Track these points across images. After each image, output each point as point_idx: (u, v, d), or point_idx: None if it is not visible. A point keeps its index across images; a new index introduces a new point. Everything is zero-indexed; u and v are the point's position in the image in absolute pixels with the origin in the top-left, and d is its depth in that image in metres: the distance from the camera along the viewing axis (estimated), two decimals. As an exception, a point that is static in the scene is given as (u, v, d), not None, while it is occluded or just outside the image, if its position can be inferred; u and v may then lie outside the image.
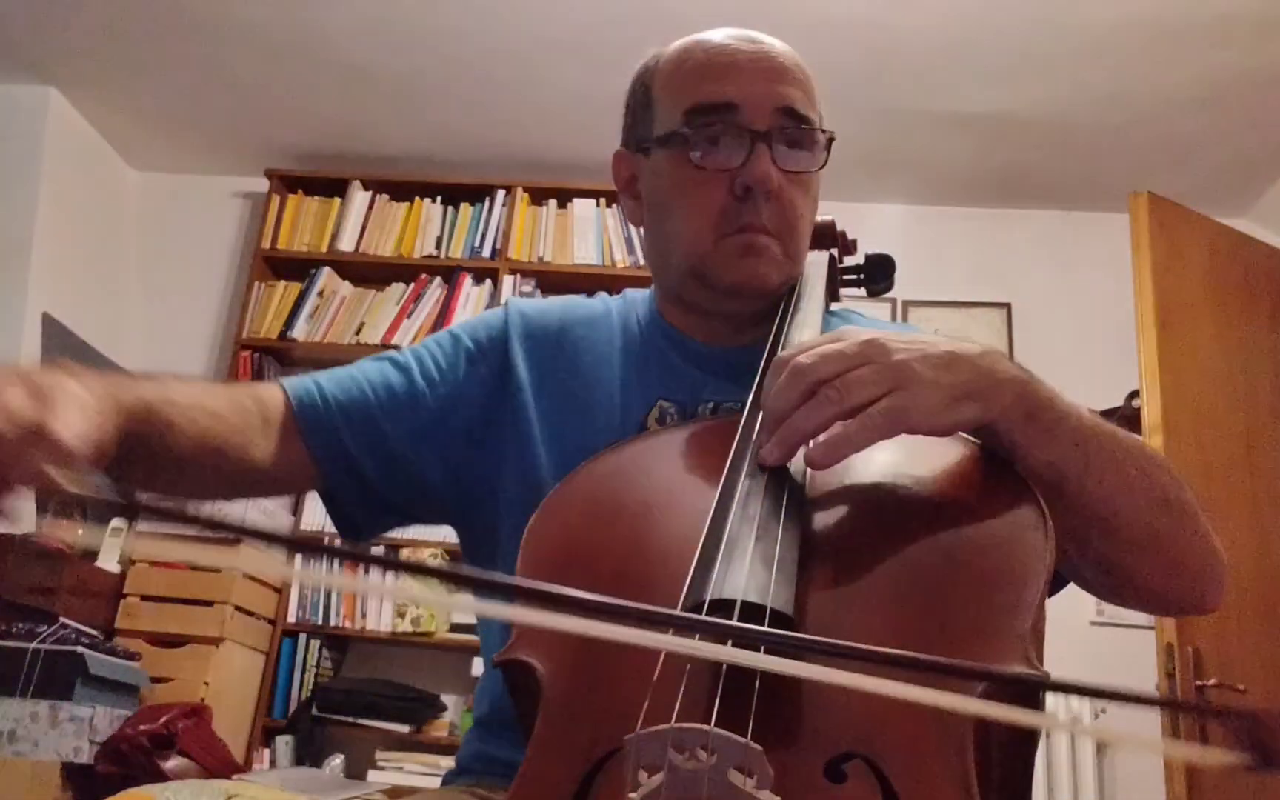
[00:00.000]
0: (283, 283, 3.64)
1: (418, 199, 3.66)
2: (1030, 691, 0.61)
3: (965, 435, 0.76)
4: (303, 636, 3.18)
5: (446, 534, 3.17)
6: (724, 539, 0.66)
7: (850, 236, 1.13)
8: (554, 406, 0.99)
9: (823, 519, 0.71)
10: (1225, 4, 2.67)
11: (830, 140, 0.98)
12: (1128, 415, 3.08)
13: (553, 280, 3.49)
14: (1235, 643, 2.48)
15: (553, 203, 3.60)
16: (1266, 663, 2.50)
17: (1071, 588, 0.87)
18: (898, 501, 0.73)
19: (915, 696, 0.49)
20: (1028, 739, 0.65)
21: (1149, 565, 0.81)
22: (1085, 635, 3.08)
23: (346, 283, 3.63)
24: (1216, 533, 0.85)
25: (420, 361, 1.01)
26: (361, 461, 0.96)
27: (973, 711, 0.52)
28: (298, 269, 3.64)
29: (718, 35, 0.99)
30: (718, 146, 0.95)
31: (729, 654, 0.54)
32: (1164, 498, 0.81)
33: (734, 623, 0.56)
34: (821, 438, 0.69)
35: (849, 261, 1.12)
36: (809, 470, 0.73)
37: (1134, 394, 2.91)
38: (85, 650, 2.49)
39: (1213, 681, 2.39)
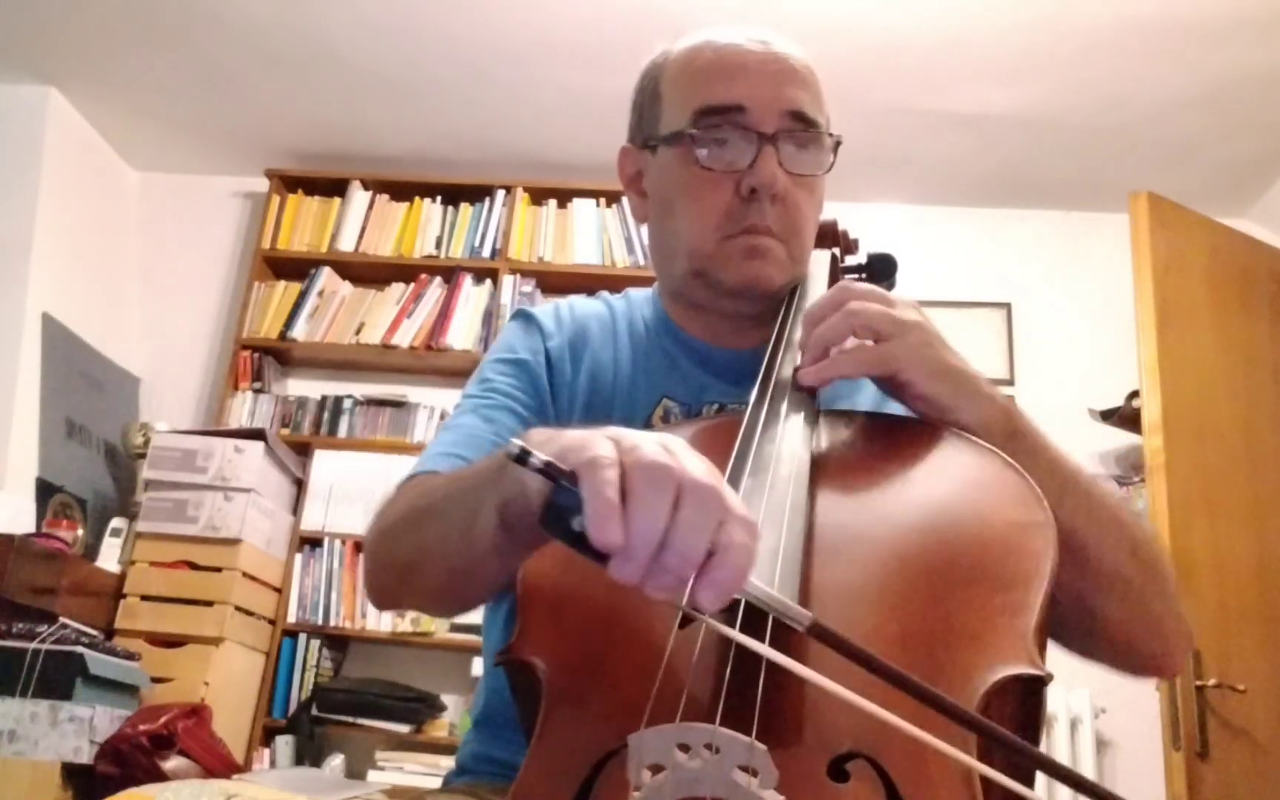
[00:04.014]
0: (283, 283, 3.64)
1: (418, 199, 3.66)
2: (1033, 692, 0.61)
3: (970, 436, 0.77)
4: (303, 636, 3.17)
5: (446, 534, 3.18)
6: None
7: (851, 236, 1.13)
8: (570, 406, 0.99)
9: (827, 517, 0.71)
10: (1225, 4, 2.67)
11: (837, 143, 0.98)
12: (1128, 415, 3.08)
13: (553, 280, 3.49)
14: (1235, 643, 2.47)
15: (553, 203, 3.60)
16: (1266, 663, 2.49)
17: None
18: (902, 501, 0.73)
19: (913, 732, 0.49)
20: (1030, 738, 0.65)
21: (1115, 609, 0.81)
22: (1085, 635, 3.08)
23: (346, 283, 3.63)
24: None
25: (510, 402, 0.98)
26: None
27: (964, 763, 0.52)
28: (298, 269, 3.64)
29: (727, 35, 0.99)
30: (725, 148, 0.95)
31: (738, 636, 0.54)
32: (1133, 546, 0.82)
33: (747, 593, 0.56)
34: (814, 363, 0.83)
35: (851, 261, 1.12)
36: (813, 470, 0.73)
37: (1134, 394, 2.91)
38: (85, 650, 2.49)
39: (1213, 681, 2.39)
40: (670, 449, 0.55)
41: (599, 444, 0.55)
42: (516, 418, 0.96)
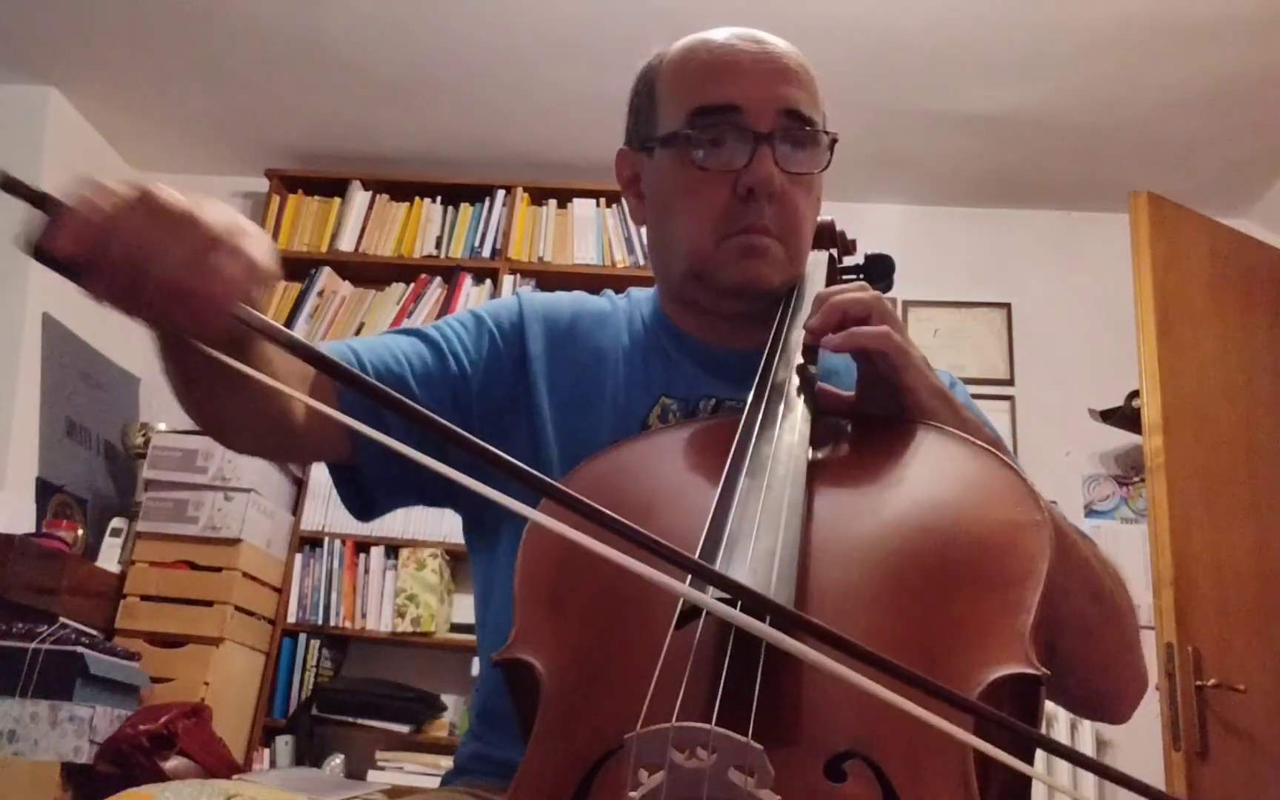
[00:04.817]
0: (282, 283, 3.63)
1: (418, 199, 3.66)
2: (1030, 692, 0.61)
3: (966, 437, 0.77)
4: (303, 636, 3.17)
5: (447, 533, 3.19)
6: (724, 537, 0.66)
7: (850, 237, 1.13)
8: (563, 401, 0.99)
9: (824, 517, 0.71)
10: (1225, 4, 2.67)
11: (833, 141, 0.98)
12: (1128, 415, 3.08)
13: (553, 280, 3.49)
14: (1235, 643, 2.48)
15: (553, 203, 3.60)
16: (1266, 663, 2.49)
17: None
18: (899, 501, 0.73)
19: (914, 710, 0.50)
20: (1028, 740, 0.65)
21: (1072, 650, 0.81)
22: (1085, 635, 3.08)
23: (346, 283, 3.63)
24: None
25: (447, 339, 1.00)
26: (394, 431, 0.93)
27: (967, 742, 0.52)
28: (298, 269, 3.63)
29: (722, 35, 0.99)
30: (721, 148, 0.95)
31: (740, 618, 0.54)
32: (1098, 591, 0.83)
33: (746, 586, 0.56)
34: (824, 324, 0.85)
35: (848, 261, 1.12)
36: (810, 470, 0.73)
37: (1134, 394, 2.91)
38: (85, 650, 2.49)
39: (1213, 681, 2.39)
40: (196, 199, 0.61)
41: (120, 185, 0.60)
42: (436, 353, 0.98)
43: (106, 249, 0.58)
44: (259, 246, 0.64)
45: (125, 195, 0.60)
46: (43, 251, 0.59)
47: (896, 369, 0.82)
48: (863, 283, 0.89)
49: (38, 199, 0.59)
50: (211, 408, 0.83)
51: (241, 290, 0.61)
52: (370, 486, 0.97)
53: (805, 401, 0.83)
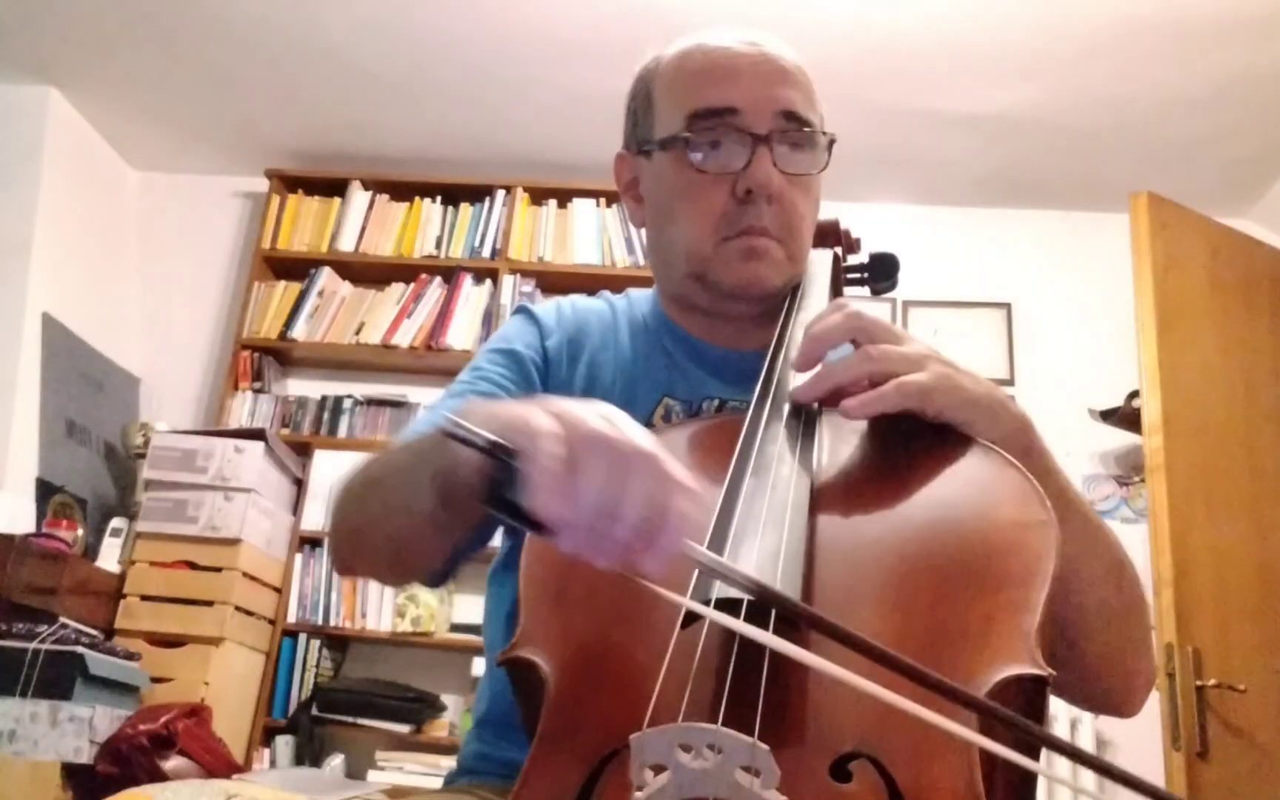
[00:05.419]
0: (283, 283, 3.64)
1: (418, 199, 3.66)
2: (1036, 693, 0.61)
3: (973, 437, 0.77)
4: (303, 636, 3.17)
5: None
6: (729, 536, 0.66)
7: (853, 235, 1.13)
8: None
9: (829, 516, 0.71)
10: (1225, 4, 2.67)
11: (831, 142, 0.98)
12: (1128, 415, 3.08)
13: (553, 280, 3.49)
14: (1235, 643, 2.47)
15: (553, 203, 3.60)
16: (1266, 663, 2.49)
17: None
18: (904, 500, 0.73)
19: (916, 710, 0.50)
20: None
21: (1092, 643, 0.81)
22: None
23: (346, 283, 3.63)
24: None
25: (498, 391, 0.97)
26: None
27: (971, 741, 0.52)
28: (298, 269, 3.63)
29: (718, 37, 0.99)
30: (719, 150, 0.95)
31: (742, 627, 0.54)
32: (1118, 581, 0.83)
33: (750, 577, 0.56)
34: (857, 397, 0.76)
35: (853, 260, 1.12)
36: (815, 469, 0.73)
37: (1134, 394, 2.91)
38: (85, 650, 2.49)
39: (1213, 681, 2.39)
40: (611, 420, 0.57)
41: (539, 417, 0.57)
42: None
43: (578, 504, 0.54)
44: (686, 472, 0.58)
45: (582, 432, 0.55)
46: (511, 506, 0.55)
47: (925, 411, 0.77)
48: (859, 309, 0.82)
49: (489, 449, 0.55)
50: (417, 564, 0.85)
51: (693, 525, 0.57)
52: (458, 565, 0.93)
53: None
